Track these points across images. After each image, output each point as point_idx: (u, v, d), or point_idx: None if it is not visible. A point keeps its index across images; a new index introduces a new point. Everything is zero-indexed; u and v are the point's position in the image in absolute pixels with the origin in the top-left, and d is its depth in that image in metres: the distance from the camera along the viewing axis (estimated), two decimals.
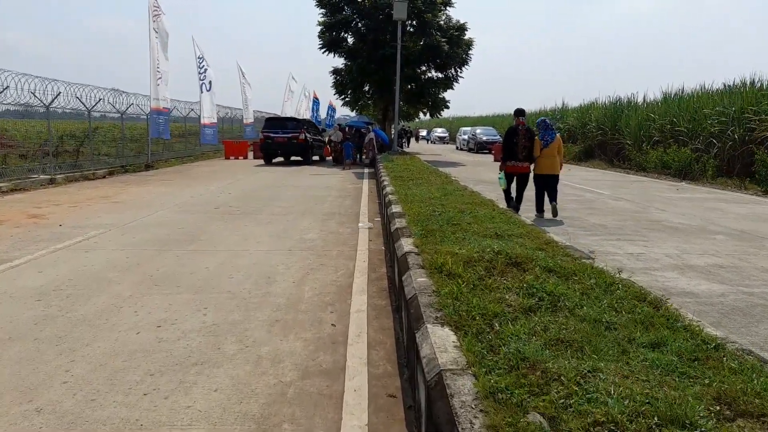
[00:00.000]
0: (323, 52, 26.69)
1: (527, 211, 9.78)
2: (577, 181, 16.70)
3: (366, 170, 20.14)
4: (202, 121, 27.34)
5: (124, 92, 21.16)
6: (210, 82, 27.42)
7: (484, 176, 17.30)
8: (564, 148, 10.18)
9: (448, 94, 27.74)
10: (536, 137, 9.54)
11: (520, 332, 2.73)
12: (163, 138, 21.98)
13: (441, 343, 2.62)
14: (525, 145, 9.33)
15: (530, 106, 53.03)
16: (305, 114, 59.15)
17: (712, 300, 4.91)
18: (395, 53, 23.68)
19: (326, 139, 26.65)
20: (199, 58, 26.66)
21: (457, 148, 43.76)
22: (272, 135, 21.98)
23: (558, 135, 9.65)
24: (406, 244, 4.91)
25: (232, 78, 35.63)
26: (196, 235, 7.51)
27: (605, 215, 10.01)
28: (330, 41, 26.29)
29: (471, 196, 8.65)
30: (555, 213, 9.48)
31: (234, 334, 3.97)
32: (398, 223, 6.04)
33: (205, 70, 26.95)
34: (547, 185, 9.60)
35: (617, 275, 3.88)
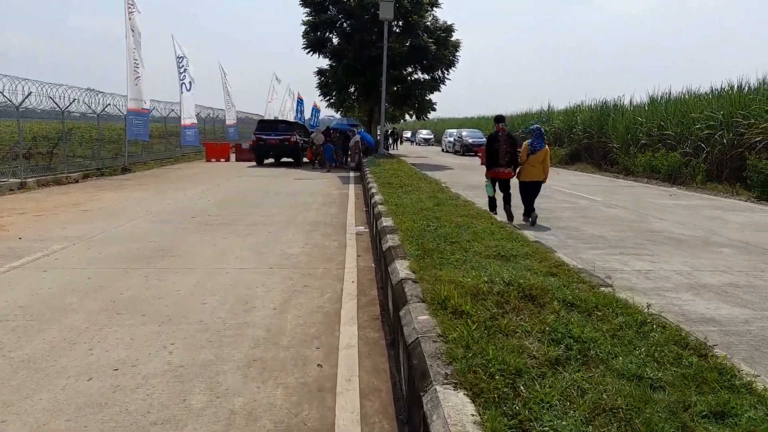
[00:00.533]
0: (308, 53, 26.07)
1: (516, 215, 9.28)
2: (567, 186, 16.34)
3: (352, 174, 19.59)
4: (182, 122, 26.56)
5: (100, 92, 20.35)
6: (190, 82, 26.63)
7: (472, 180, 16.85)
8: (550, 150, 10.18)
9: (434, 96, 27.22)
10: (525, 142, 9.52)
11: (552, 398, 2.22)
12: (141, 140, 21.17)
13: (457, 417, 2.09)
14: (507, 150, 9.34)
15: (516, 108, 52.83)
16: (289, 115, 58.56)
17: (737, 328, 4.46)
18: (381, 54, 23.15)
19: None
20: (179, 57, 25.87)
21: (442, 150, 43.39)
22: (264, 137, 22.43)
23: (546, 146, 9.61)
24: (402, 268, 4.39)
25: (214, 78, 34.71)
26: (169, 250, 6.91)
27: (603, 225, 9.59)
28: (315, 41, 25.68)
29: (465, 207, 8.16)
30: (534, 222, 9.51)
31: (203, 379, 3.40)
32: (390, 240, 5.51)
33: (185, 69, 26.17)
34: (530, 192, 9.58)
35: (646, 310, 3.39)
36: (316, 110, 63.62)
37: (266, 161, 23.51)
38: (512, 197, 9.76)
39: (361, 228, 8.68)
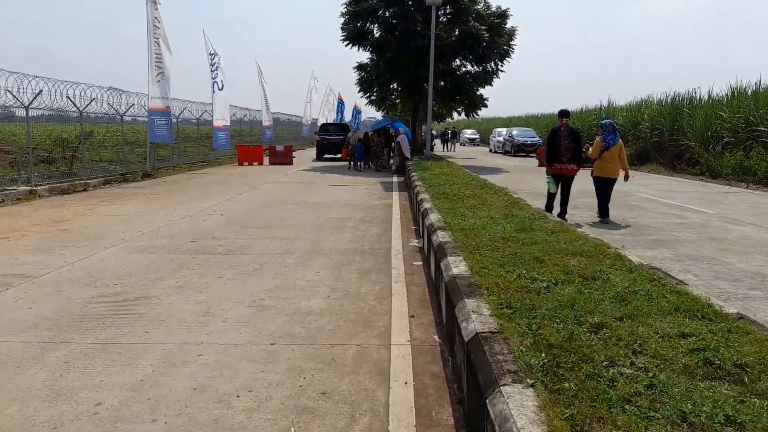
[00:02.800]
0: (346, 45, 23.88)
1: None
2: (656, 193, 13.47)
3: (395, 179, 17.20)
4: (214, 124, 24.85)
5: (123, 91, 18.65)
6: (222, 81, 24.89)
7: (535, 185, 14.18)
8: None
9: (485, 91, 24.57)
10: (598, 138, 9.42)
11: None
12: (166, 142, 19.39)
13: None
14: (569, 146, 9.02)
15: (568, 105, 49.27)
16: (330, 116, 56.83)
17: None
18: (428, 44, 20.71)
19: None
20: (210, 54, 24.14)
21: (490, 150, 40.56)
22: (327, 137, 27.59)
23: (620, 140, 9.38)
24: (519, 414, 1.94)
25: (251, 78, 32.99)
26: (131, 304, 4.67)
27: (749, 253, 6.84)
28: (354, 33, 23.46)
29: (565, 232, 5.63)
30: (607, 220, 9.27)
31: None
32: (475, 316, 3.04)
33: (218, 67, 24.41)
34: (607, 189, 9.40)
35: None
36: (357, 111, 61.79)
37: (296, 168, 21.37)
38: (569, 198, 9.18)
39: (416, 242, 6.26)
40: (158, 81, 17.64)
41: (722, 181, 17.61)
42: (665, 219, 9.52)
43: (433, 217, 6.48)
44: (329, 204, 11.08)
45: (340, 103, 61.44)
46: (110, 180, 15.85)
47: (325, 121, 43.67)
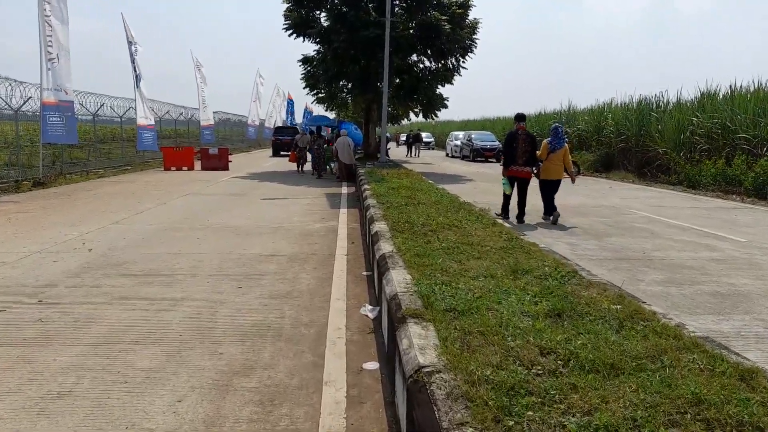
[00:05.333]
0: (290, 35, 21.03)
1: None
2: (650, 209, 11.34)
3: (344, 189, 14.53)
4: (138, 122, 21.60)
5: (18, 82, 15.20)
6: (140, 74, 21.58)
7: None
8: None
9: (446, 90, 22.27)
10: (545, 141, 9.49)
11: None
12: (60, 143, 16.03)
13: None
14: (525, 149, 9.14)
15: (523, 109, 47.94)
16: (278, 116, 53.60)
17: None
18: (381, 35, 18.18)
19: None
20: (129, 42, 20.85)
21: (447, 155, 38.51)
22: (279, 138, 32.51)
23: (566, 144, 9.60)
24: None
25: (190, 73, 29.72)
26: None
27: None
28: (298, 21, 20.64)
29: (632, 317, 3.11)
30: (555, 221, 9.28)
31: None
32: None
33: (134, 59, 21.12)
34: (551, 190, 9.46)
35: None
36: (308, 112, 58.77)
37: (239, 175, 18.37)
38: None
39: (371, 365, 3.57)
40: (50, 69, 14.34)
41: (707, 193, 15.85)
42: (695, 252, 7.24)
43: (397, 278, 3.84)
44: (253, 229, 8.29)
45: (290, 103, 58.31)
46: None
47: (273, 122, 48.06)
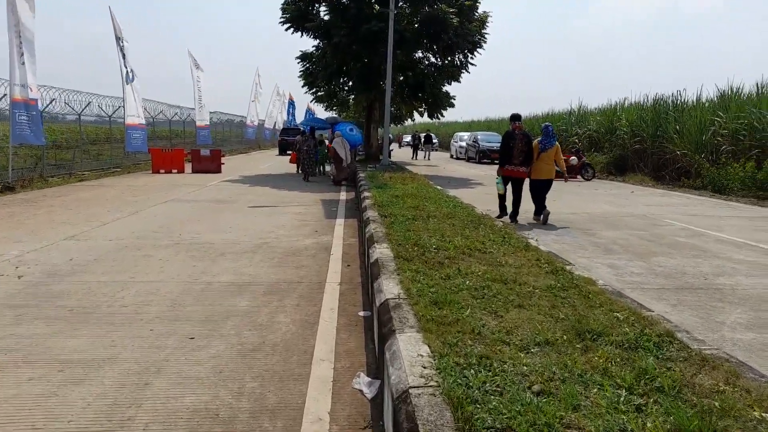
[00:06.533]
0: (287, 29, 19.71)
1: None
2: (687, 219, 9.95)
3: (343, 195, 13.20)
4: (126, 122, 20.36)
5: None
6: (132, 71, 20.35)
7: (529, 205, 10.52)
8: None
9: (452, 89, 20.91)
10: (536, 141, 9.40)
11: None
12: (29, 143, 14.71)
13: None
14: (522, 149, 9.11)
15: (530, 109, 46.37)
16: (279, 117, 52.41)
17: None
18: (385, 29, 16.88)
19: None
20: (117, 38, 19.58)
21: (451, 156, 37.24)
22: (286, 138, 33.40)
23: (557, 143, 9.53)
24: None
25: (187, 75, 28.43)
26: None
27: None
28: (297, 14, 19.33)
29: None
30: (545, 220, 9.21)
31: None
32: None
33: (125, 55, 19.88)
34: (542, 189, 9.35)
35: None
36: (310, 113, 57.54)
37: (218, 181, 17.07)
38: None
39: None
40: (22, 64, 13.06)
41: (738, 199, 14.46)
42: None
43: (408, 354, 2.48)
44: (230, 246, 6.94)
45: (291, 103, 57.05)
46: None
47: (274, 123, 49.14)
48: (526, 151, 9.11)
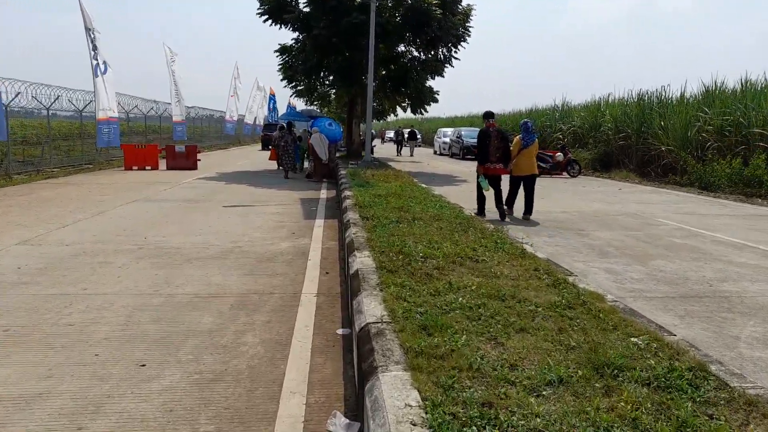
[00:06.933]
0: (265, 21, 19.05)
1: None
2: (680, 218, 9.64)
3: (323, 193, 12.67)
4: (97, 117, 19.55)
5: None
6: (105, 63, 19.55)
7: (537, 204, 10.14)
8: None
9: (435, 83, 20.50)
10: (517, 137, 9.55)
11: None
12: None
13: None
14: (498, 146, 9.15)
15: (512, 106, 46.12)
16: (259, 112, 51.49)
17: None
18: (366, 21, 16.35)
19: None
20: (87, 29, 18.74)
21: (435, 152, 36.88)
22: (269, 133, 30.22)
23: (536, 139, 9.71)
24: None
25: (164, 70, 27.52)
26: None
27: None
28: (274, 5, 18.68)
29: None
30: (528, 216, 9.26)
31: None
32: None
33: (96, 47, 19.06)
34: (525, 185, 9.41)
35: None
36: (291, 108, 56.64)
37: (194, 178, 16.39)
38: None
39: None
40: None
41: (727, 196, 14.26)
42: None
43: (393, 403, 2.00)
44: (199, 251, 6.39)
45: (272, 98, 56.09)
46: None
47: (254, 118, 47.83)
48: (502, 147, 9.15)
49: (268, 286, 5.06)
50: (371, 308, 3.01)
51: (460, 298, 3.24)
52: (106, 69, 19.62)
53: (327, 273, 5.57)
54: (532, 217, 9.35)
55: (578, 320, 2.99)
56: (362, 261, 4.15)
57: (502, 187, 9.29)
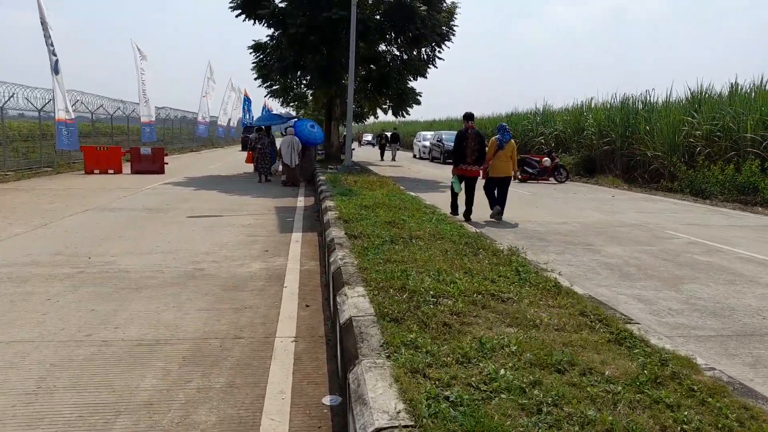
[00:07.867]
0: (237, 16, 17.91)
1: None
2: (689, 230, 8.86)
3: (301, 201, 11.61)
4: (56, 117, 18.17)
5: None
6: (58, 61, 18.10)
7: (532, 214, 9.27)
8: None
9: (417, 85, 19.61)
10: (493, 138, 9.52)
11: None
12: None
13: None
14: (475, 148, 9.16)
15: (491, 110, 45.66)
16: (234, 114, 50.02)
17: None
18: (346, 17, 15.33)
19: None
20: (43, 23, 17.34)
21: (414, 156, 36.13)
22: (248, 135, 25.79)
23: (512, 140, 9.63)
24: None
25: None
26: None
27: None
28: (248, 0, 17.54)
29: None
30: (500, 217, 9.29)
31: None
32: None
33: (53, 42, 17.66)
34: (499, 187, 9.43)
35: None
36: (266, 111, 55.18)
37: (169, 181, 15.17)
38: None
39: None
40: None
41: (725, 204, 13.66)
42: None
43: None
44: (152, 275, 5.29)
45: (247, 100, 54.56)
46: None
47: (228, 120, 45.84)
48: (478, 150, 9.17)
49: (234, 327, 4.02)
50: (379, 396, 2.01)
51: (502, 371, 2.27)
52: (57, 67, 18.18)
53: (307, 306, 4.55)
54: (527, 227, 8.53)
55: (680, 407, 2.04)
56: (355, 303, 3.15)
57: (475, 191, 9.24)
